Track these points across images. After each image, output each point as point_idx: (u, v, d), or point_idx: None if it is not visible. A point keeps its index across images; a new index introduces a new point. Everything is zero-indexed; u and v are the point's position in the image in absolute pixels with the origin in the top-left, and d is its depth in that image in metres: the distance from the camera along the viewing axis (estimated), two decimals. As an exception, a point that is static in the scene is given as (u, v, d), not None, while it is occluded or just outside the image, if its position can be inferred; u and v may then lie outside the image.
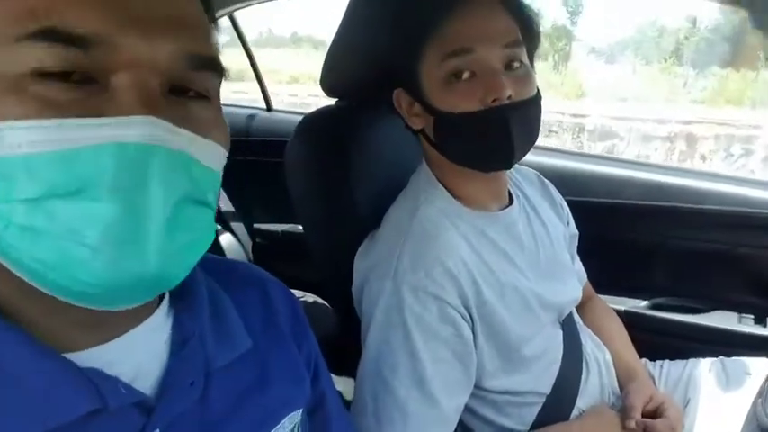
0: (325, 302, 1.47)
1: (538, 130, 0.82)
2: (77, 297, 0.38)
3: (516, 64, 0.77)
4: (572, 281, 0.99)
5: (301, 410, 0.57)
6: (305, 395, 0.59)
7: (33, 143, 0.35)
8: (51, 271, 0.36)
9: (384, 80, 0.85)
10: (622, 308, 1.30)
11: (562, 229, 1.01)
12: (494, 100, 0.74)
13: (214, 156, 0.42)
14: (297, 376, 0.58)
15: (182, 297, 0.50)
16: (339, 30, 0.94)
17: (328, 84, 0.99)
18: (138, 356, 0.44)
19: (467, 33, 0.75)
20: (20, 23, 0.35)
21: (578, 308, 1.04)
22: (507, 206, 0.90)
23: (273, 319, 0.59)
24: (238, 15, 1.85)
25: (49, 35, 0.35)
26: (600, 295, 1.15)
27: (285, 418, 0.54)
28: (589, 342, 0.99)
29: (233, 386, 0.50)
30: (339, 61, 0.96)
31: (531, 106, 0.79)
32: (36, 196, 0.35)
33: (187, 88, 0.41)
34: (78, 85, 0.37)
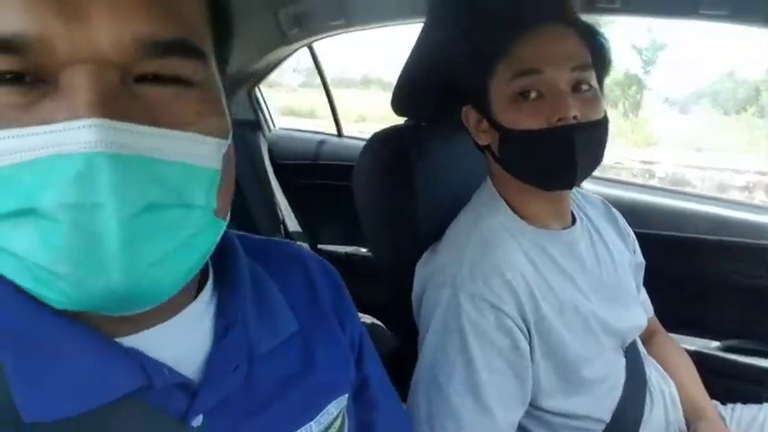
0: (383, 325, 1.49)
1: (603, 152, 0.82)
2: (69, 307, 0.36)
3: (584, 86, 0.79)
4: (636, 308, 0.97)
5: (347, 395, 0.56)
6: (350, 380, 0.58)
7: None
8: (26, 287, 0.36)
9: (454, 98, 0.88)
10: (692, 348, 1.24)
11: (627, 256, 0.99)
12: (559, 119, 0.76)
13: (197, 147, 0.37)
14: (342, 359, 0.57)
15: (225, 281, 0.49)
16: (412, 52, 0.99)
17: (398, 103, 1.04)
18: (180, 343, 0.44)
19: (537, 54, 0.77)
20: None
21: (644, 341, 1.01)
22: (569, 226, 0.91)
23: (316, 298, 0.57)
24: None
25: None
26: (668, 333, 1.11)
27: (330, 404, 0.53)
28: (654, 373, 0.95)
29: (278, 371, 0.50)
30: (410, 81, 1.01)
31: (597, 128, 0.80)
32: None
33: (160, 75, 0.36)
34: (32, 87, 0.33)
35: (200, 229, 0.39)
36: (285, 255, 0.60)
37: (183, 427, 0.42)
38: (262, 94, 2.13)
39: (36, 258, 0.33)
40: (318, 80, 2.00)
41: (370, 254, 1.89)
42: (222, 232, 0.42)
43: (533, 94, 0.77)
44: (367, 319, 1.58)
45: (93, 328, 0.40)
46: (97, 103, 0.32)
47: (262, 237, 0.61)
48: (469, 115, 0.87)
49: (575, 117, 0.76)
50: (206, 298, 0.48)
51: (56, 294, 0.35)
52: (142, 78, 0.35)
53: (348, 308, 0.61)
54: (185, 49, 0.36)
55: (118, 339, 0.41)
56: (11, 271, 0.35)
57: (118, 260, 0.34)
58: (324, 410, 0.52)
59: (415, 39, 1.00)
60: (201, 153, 0.38)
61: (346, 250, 1.92)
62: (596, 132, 0.80)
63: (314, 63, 1.93)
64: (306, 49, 1.91)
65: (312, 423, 0.51)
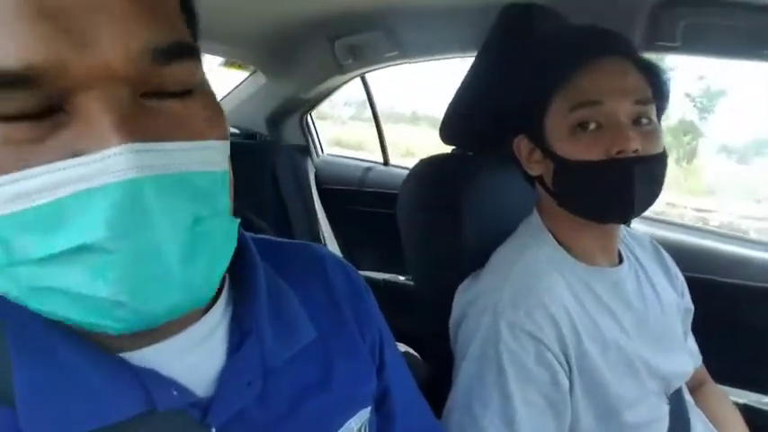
0: (417, 354, 1.47)
1: (661, 187, 0.81)
2: (125, 331, 0.36)
3: (645, 120, 0.78)
4: (683, 354, 0.93)
5: (369, 409, 0.54)
6: (372, 392, 0.55)
7: (15, 199, 0.31)
8: (77, 321, 0.35)
9: (504, 128, 0.89)
10: (742, 401, 1.17)
11: (675, 299, 0.96)
12: (619, 152, 0.74)
13: (214, 155, 0.37)
14: (363, 370, 0.55)
15: (240, 289, 0.48)
16: (463, 81, 1.01)
17: (446, 132, 1.05)
18: (193, 356, 0.43)
19: (597, 87, 0.77)
20: None
21: (691, 391, 0.96)
22: (616, 264, 0.89)
23: (336, 303, 0.55)
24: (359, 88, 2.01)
25: None
26: (717, 385, 1.06)
27: (352, 419, 0.51)
28: (700, 424, 0.91)
29: (294, 383, 0.48)
30: (460, 111, 1.02)
31: (657, 162, 0.78)
32: (36, 257, 0.32)
33: (162, 89, 0.35)
34: (46, 118, 0.32)
35: (228, 232, 0.39)
36: (303, 255, 0.58)
37: None
38: (313, 121, 2.19)
39: (93, 292, 0.33)
40: (368, 113, 2.05)
41: (408, 282, 1.89)
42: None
43: (593, 126, 0.76)
44: (401, 347, 1.58)
45: (103, 346, 0.39)
46: (120, 126, 0.32)
47: (279, 238, 0.59)
48: (521, 145, 0.87)
49: (635, 150, 0.74)
50: (221, 308, 0.46)
51: (114, 322, 0.34)
52: (147, 94, 0.35)
53: (368, 310, 0.59)
54: (183, 50, 0.35)
55: (128, 354, 0.40)
56: (60, 308, 0.34)
57: (179, 279, 0.34)
58: (344, 426, 0.51)
59: (466, 71, 1.02)
60: (217, 158, 0.38)
61: (384, 277, 1.93)
62: (656, 166, 0.78)
63: (365, 92, 1.98)
64: (357, 82, 1.96)
65: None
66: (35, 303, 0.34)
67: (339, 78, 1.87)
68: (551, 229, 0.87)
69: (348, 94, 2.13)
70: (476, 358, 0.78)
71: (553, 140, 0.81)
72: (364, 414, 0.53)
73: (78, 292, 0.33)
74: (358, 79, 1.94)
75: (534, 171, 0.86)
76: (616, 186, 0.76)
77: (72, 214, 0.31)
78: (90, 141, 0.32)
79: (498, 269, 0.85)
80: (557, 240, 0.86)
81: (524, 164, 0.87)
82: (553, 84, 0.80)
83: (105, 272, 0.32)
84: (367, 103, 2.01)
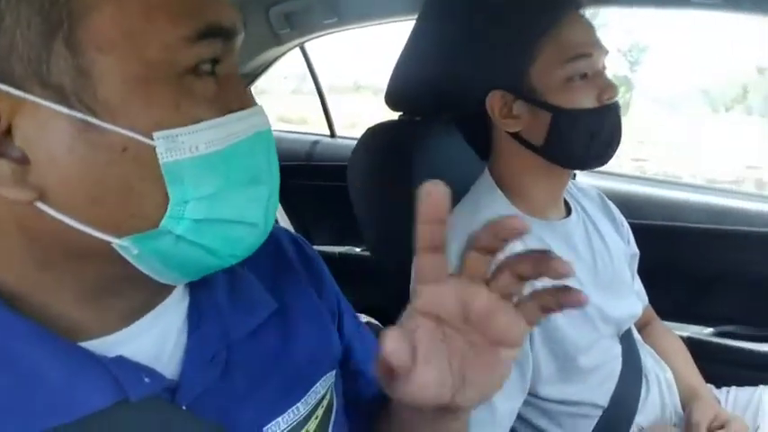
0: (379, 323, 1.49)
1: None
2: (228, 263, 0.42)
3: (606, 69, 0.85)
4: (631, 297, 0.98)
5: (334, 372, 0.55)
6: (336, 355, 0.57)
7: (208, 143, 0.37)
8: (220, 250, 0.40)
9: (458, 91, 0.88)
10: (685, 334, 1.25)
11: (622, 246, 1.00)
12: (608, 98, 0.81)
13: None
14: (325, 335, 0.56)
15: None
16: (407, 45, 0.99)
17: (393, 97, 1.04)
18: (157, 337, 0.44)
19: (584, 39, 0.82)
20: (181, 24, 0.36)
21: (639, 329, 1.02)
22: (565, 217, 0.92)
23: (292, 273, 0.57)
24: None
25: (209, 33, 0.37)
26: (662, 321, 1.13)
27: (317, 383, 0.52)
28: (649, 359, 0.96)
29: (259, 354, 0.49)
30: (406, 75, 1.01)
31: None
32: (213, 191, 0.38)
33: None
34: (214, 77, 0.39)
35: None
36: None
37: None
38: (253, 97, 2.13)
39: (247, 218, 0.41)
40: (309, 86, 2.00)
41: (364, 253, 1.89)
42: None
43: (583, 76, 0.81)
44: (363, 317, 1.59)
45: (64, 332, 0.39)
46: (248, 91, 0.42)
47: None
48: (494, 101, 0.85)
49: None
50: (179, 290, 0.47)
51: (242, 251, 0.42)
52: None
53: (323, 279, 0.60)
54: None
55: (92, 342, 0.41)
56: (215, 239, 0.39)
57: (276, 206, 0.44)
58: (311, 390, 0.52)
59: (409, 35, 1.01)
60: None
61: (340, 250, 1.92)
62: None
63: (306, 64, 1.93)
64: (296, 54, 1.90)
65: (299, 404, 0.50)
66: (194, 236, 0.38)
67: (277, 50, 1.82)
68: (504, 187, 0.89)
69: (287, 67, 2.07)
70: None
71: (545, 92, 0.82)
72: (329, 377, 0.54)
73: (234, 219, 0.40)
74: (297, 51, 1.89)
75: (511, 127, 0.86)
76: (611, 130, 0.83)
77: (243, 154, 0.39)
78: (238, 101, 0.40)
79: (453, 233, 0.85)
80: (509, 198, 0.88)
81: (498, 121, 0.86)
82: (535, 37, 0.81)
83: (260, 199, 0.41)
84: (306, 75, 1.96)
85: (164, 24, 0.36)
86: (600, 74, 0.83)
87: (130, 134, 0.35)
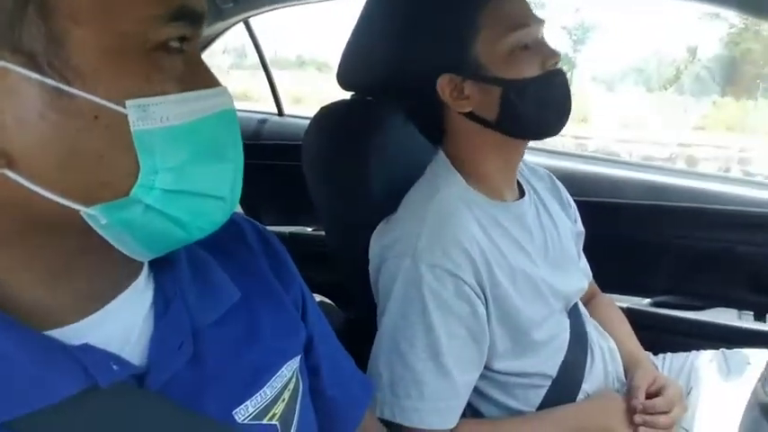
0: (332, 302, 1.49)
1: None
2: (196, 236, 0.43)
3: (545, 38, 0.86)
4: (578, 273, 1.02)
5: (299, 357, 0.56)
6: (301, 341, 0.58)
7: (178, 115, 0.38)
8: (189, 223, 0.41)
9: (425, 71, 0.87)
10: (625, 305, 1.32)
11: (570, 226, 1.04)
12: (553, 64, 0.83)
13: None
14: (290, 323, 0.57)
15: (159, 259, 0.49)
16: (360, 22, 0.97)
17: (345, 77, 1.02)
18: (122, 325, 0.44)
19: (520, 11, 0.84)
20: (155, 3, 0.37)
21: (585, 303, 1.07)
22: (519, 198, 0.94)
23: (256, 263, 0.57)
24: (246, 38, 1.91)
25: (179, 15, 0.38)
26: (604, 293, 1.18)
27: (283, 367, 0.53)
28: (594, 331, 1.01)
29: (225, 342, 0.50)
30: (358, 54, 0.99)
31: None
32: (182, 162, 0.38)
33: None
34: (182, 56, 0.40)
35: None
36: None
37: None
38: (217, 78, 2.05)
39: (215, 192, 0.41)
40: (248, 61, 1.96)
41: (315, 233, 1.88)
42: None
43: (524, 46, 0.82)
44: (316, 297, 1.58)
45: (31, 321, 0.39)
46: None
47: None
48: (445, 85, 0.86)
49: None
50: (144, 275, 0.47)
51: (210, 224, 0.43)
52: None
53: (287, 267, 0.61)
54: None
55: (58, 331, 0.40)
56: (184, 211, 0.40)
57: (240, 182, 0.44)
58: (277, 374, 0.53)
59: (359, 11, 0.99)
60: None
61: (290, 230, 1.91)
62: None
63: (251, 39, 1.87)
64: (234, 28, 1.85)
65: (266, 388, 0.51)
66: (163, 206, 0.39)
67: (219, 25, 1.76)
68: (459, 168, 0.90)
69: (226, 40, 2.00)
70: (399, 300, 0.81)
71: (491, 66, 0.83)
72: (294, 362, 0.55)
73: (202, 192, 0.40)
74: (238, 25, 1.83)
75: (464, 107, 0.86)
76: (561, 94, 0.85)
77: (210, 129, 0.40)
78: (203, 80, 0.41)
79: (413, 213, 0.86)
80: (465, 179, 0.89)
81: (451, 103, 0.86)
82: (479, 10, 0.82)
83: (226, 174, 0.42)
84: (246, 49, 1.91)
85: (139, 1, 0.36)
86: (541, 42, 0.84)
87: (102, 102, 0.35)
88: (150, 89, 0.37)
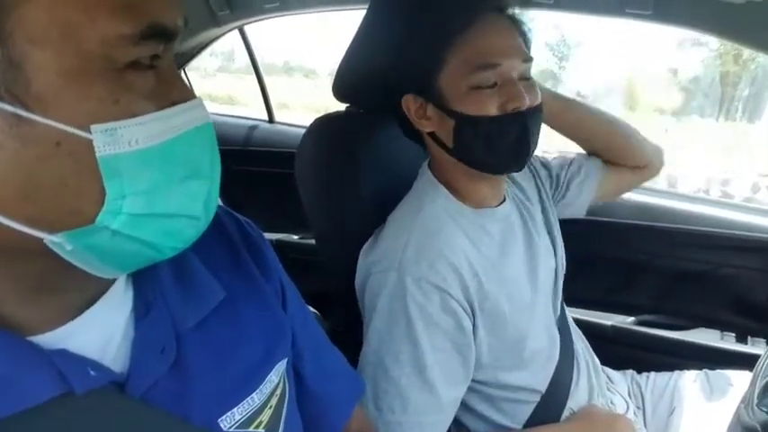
0: (317, 312, 1.49)
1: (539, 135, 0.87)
2: (167, 254, 0.41)
3: (528, 76, 0.83)
4: (548, 255, 1.01)
5: (286, 360, 0.55)
6: (287, 343, 0.57)
7: (148, 137, 0.36)
8: (158, 244, 0.39)
9: (395, 86, 0.89)
10: (609, 323, 1.34)
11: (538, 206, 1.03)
12: (514, 108, 0.80)
13: None
14: (276, 323, 0.56)
15: None
16: (357, 35, 0.98)
17: (340, 89, 1.03)
18: (102, 331, 0.43)
19: (493, 48, 0.80)
20: (122, 22, 0.35)
21: None
22: (503, 201, 0.94)
23: (239, 258, 0.56)
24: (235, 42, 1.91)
25: (150, 34, 0.36)
26: (587, 311, 1.19)
27: (272, 372, 0.52)
28: (579, 344, 1.02)
29: (209, 346, 0.49)
30: (353, 67, 1.00)
31: (540, 112, 0.85)
32: (152, 185, 0.37)
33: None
34: (154, 71, 0.38)
35: None
36: None
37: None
38: (187, 77, 2.04)
39: (189, 211, 0.40)
40: (235, 65, 1.96)
41: (302, 241, 1.87)
42: None
43: (490, 84, 0.80)
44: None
45: (10, 328, 0.38)
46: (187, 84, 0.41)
47: None
48: (409, 103, 0.87)
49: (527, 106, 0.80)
50: (122, 280, 0.46)
51: (181, 243, 0.41)
52: None
53: (266, 258, 0.59)
54: None
55: (38, 337, 0.40)
56: (153, 233, 0.39)
57: (216, 198, 0.43)
58: (266, 379, 0.52)
59: (354, 25, 1.00)
60: None
61: (277, 237, 1.90)
62: (540, 116, 0.85)
63: (246, 47, 1.87)
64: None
65: (254, 394, 0.50)
66: (131, 231, 0.37)
67: (215, 31, 1.75)
68: (443, 180, 0.90)
69: (214, 44, 1.99)
70: (385, 314, 0.81)
71: (452, 98, 0.82)
72: (281, 366, 0.54)
73: (173, 213, 0.39)
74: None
75: (425, 127, 0.87)
76: (515, 138, 0.82)
77: (183, 148, 0.39)
78: (177, 93, 0.40)
79: (399, 228, 0.86)
80: (450, 191, 0.89)
81: (414, 121, 0.88)
82: (444, 45, 0.81)
83: (199, 193, 0.40)
84: (235, 54, 1.91)
85: (104, 20, 0.34)
86: (510, 82, 0.80)
87: (65, 128, 0.34)
88: (118, 111, 0.35)
